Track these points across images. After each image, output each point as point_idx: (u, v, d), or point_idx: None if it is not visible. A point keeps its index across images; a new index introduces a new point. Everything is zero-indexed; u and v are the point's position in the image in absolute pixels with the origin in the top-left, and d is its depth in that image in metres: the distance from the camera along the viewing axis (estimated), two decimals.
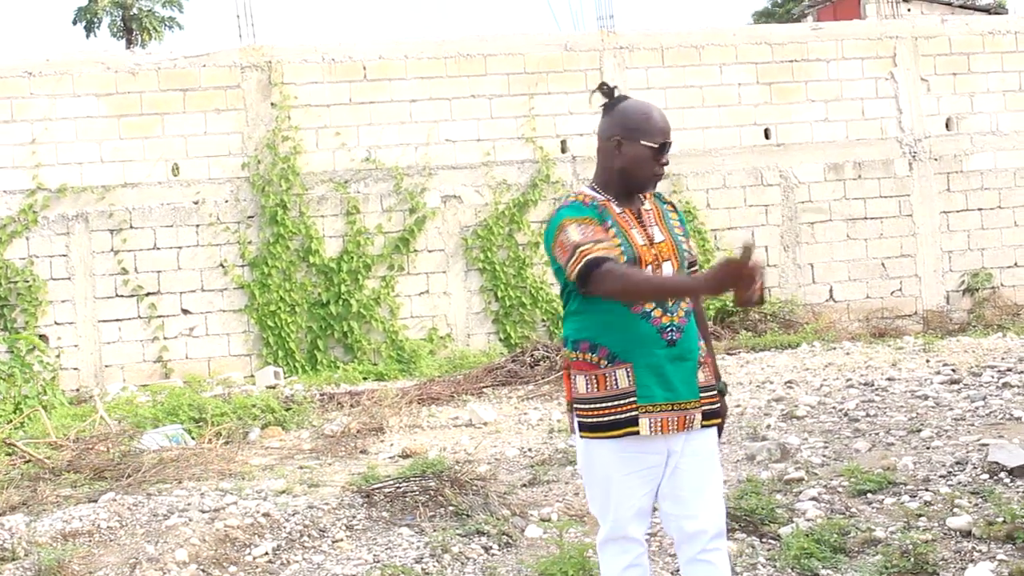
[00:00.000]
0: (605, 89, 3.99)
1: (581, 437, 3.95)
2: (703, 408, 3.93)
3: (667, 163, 3.93)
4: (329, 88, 13.15)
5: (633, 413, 3.82)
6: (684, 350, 3.88)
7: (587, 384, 3.89)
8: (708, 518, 3.92)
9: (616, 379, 3.84)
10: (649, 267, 3.86)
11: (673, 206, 4.14)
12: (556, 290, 12.73)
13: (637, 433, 3.83)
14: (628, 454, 3.87)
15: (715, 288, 3.52)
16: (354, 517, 6.36)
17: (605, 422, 3.86)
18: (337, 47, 13.24)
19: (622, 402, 3.84)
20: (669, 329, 3.83)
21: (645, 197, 4.03)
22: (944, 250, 14.37)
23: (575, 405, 3.95)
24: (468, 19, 78.03)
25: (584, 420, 3.92)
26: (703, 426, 3.93)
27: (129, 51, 13.44)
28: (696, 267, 4.10)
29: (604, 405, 3.86)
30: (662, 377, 3.83)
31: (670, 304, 3.84)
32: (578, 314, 3.94)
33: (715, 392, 4.01)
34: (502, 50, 13.51)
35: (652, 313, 3.82)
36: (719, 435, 4.07)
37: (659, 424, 3.83)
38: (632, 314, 3.83)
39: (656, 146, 3.87)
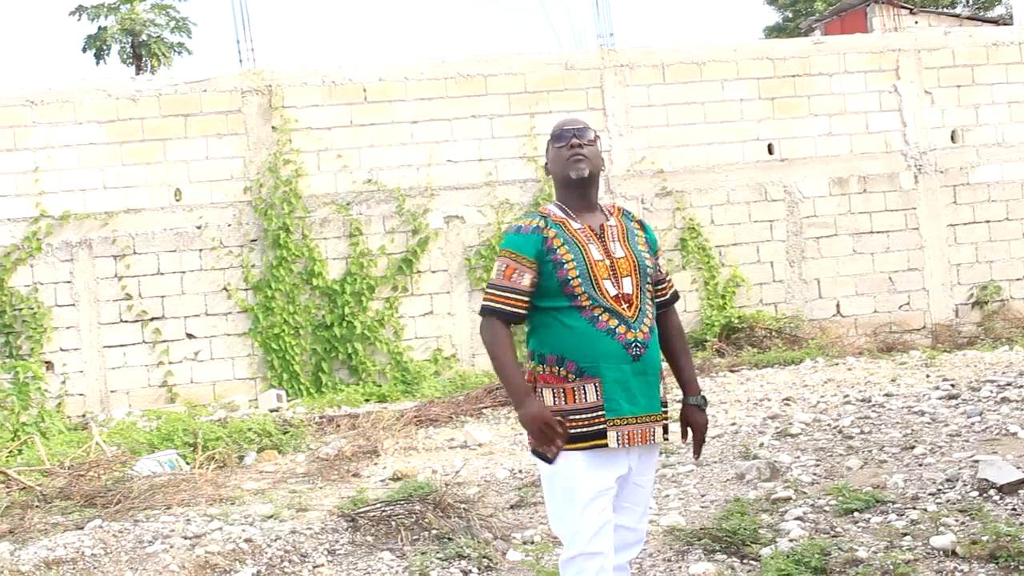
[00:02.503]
0: None
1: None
2: (664, 421, 4.10)
3: (577, 144, 4.07)
4: (330, 111, 13.18)
5: (602, 426, 3.94)
6: (648, 365, 4.01)
7: (554, 397, 3.98)
8: (643, 530, 4.21)
9: (585, 393, 3.95)
10: (606, 280, 3.99)
11: (641, 225, 4.25)
12: None
13: (603, 446, 3.93)
14: (592, 468, 3.95)
15: (522, 420, 3.94)
16: (337, 542, 6.34)
17: (573, 434, 3.95)
18: (337, 70, 13.27)
19: (591, 415, 3.95)
20: (634, 345, 3.97)
21: (611, 213, 4.17)
22: (952, 263, 14.27)
23: None
24: (469, 39, 78.30)
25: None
26: (664, 438, 4.12)
27: (130, 78, 13.49)
28: (663, 284, 4.25)
29: (572, 418, 3.96)
30: (628, 391, 3.96)
31: (633, 320, 3.97)
32: (544, 328, 4.05)
33: (668, 409, 4.16)
34: (502, 70, 13.51)
35: (616, 330, 3.96)
36: (699, 450, 4.28)
37: (626, 437, 3.97)
38: (596, 330, 3.95)
39: (559, 136, 4.10)
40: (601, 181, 4.36)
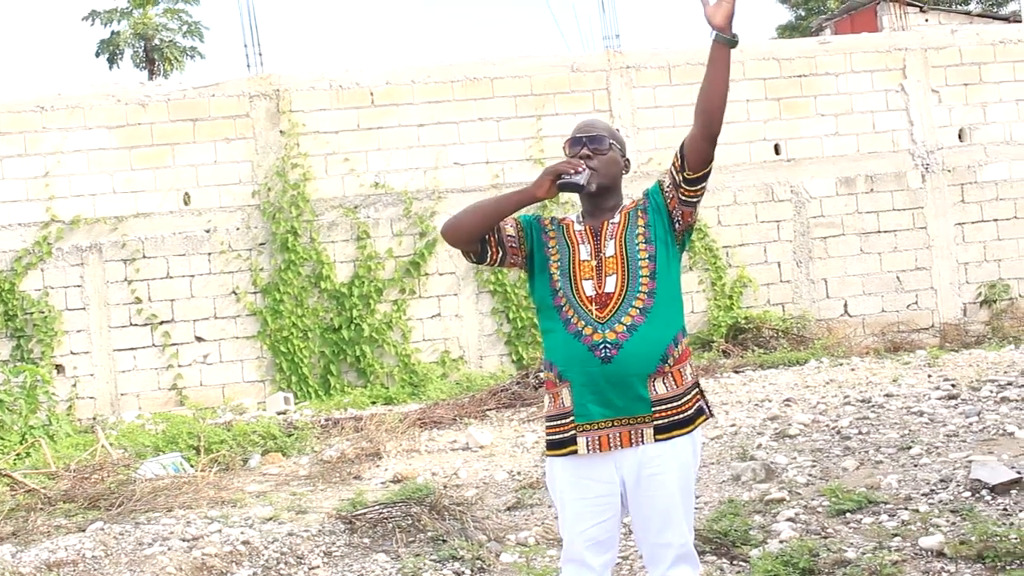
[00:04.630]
0: None
1: (544, 455, 4.07)
2: (658, 422, 3.83)
3: (587, 155, 3.95)
4: (337, 114, 13.25)
5: (572, 432, 3.87)
6: (624, 366, 3.80)
7: (549, 403, 4.00)
8: (672, 539, 3.87)
9: (563, 397, 3.91)
10: (587, 280, 3.91)
11: (646, 205, 4.00)
12: None
13: (576, 452, 3.86)
14: (576, 477, 3.89)
15: (540, 185, 3.86)
16: (334, 544, 6.41)
17: (555, 440, 3.95)
18: (344, 74, 13.35)
19: (564, 421, 3.90)
20: (602, 346, 3.81)
21: (620, 212, 4.01)
22: (960, 262, 14.25)
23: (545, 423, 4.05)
24: (475, 42, 78.04)
25: (546, 438, 4.01)
26: (660, 439, 3.83)
27: (139, 83, 13.58)
28: (675, 161, 3.91)
29: (555, 424, 3.95)
30: (599, 395, 3.82)
31: (604, 321, 3.83)
32: (543, 333, 4.06)
33: (681, 403, 3.88)
34: (509, 72, 13.57)
35: (583, 331, 3.85)
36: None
37: (597, 442, 3.83)
38: (567, 333, 3.88)
39: (572, 142, 4.01)
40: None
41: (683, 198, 3.92)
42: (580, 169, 3.85)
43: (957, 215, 14.24)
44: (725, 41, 3.77)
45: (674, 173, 3.92)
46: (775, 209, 13.94)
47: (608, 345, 3.82)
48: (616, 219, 3.98)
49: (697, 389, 3.97)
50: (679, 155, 3.89)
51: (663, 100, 13.80)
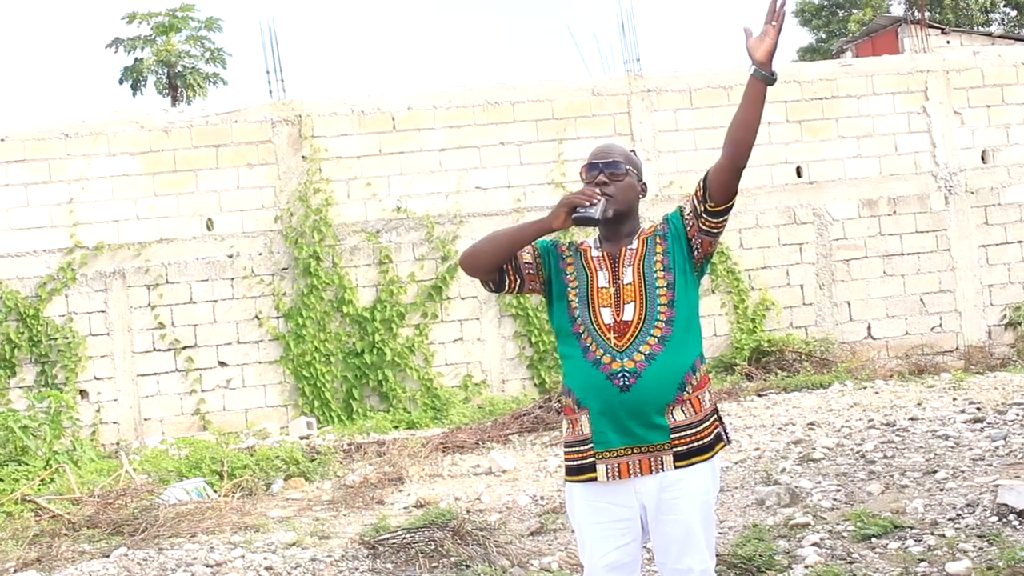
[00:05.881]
0: None
1: (564, 480, 4.04)
2: (677, 449, 3.83)
3: (604, 182, 3.93)
4: (359, 139, 13.31)
5: (591, 459, 3.86)
6: (642, 394, 3.80)
7: (568, 428, 3.98)
8: (692, 564, 3.85)
9: (582, 424, 3.90)
10: (605, 308, 3.90)
11: (665, 232, 3.99)
12: None
13: (596, 479, 3.86)
14: (595, 503, 3.89)
15: (556, 216, 3.84)
16: (357, 569, 6.41)
17: (574, 466, 3.94)
18: (366, 99, 13.41)
19: (583, 448, 3.89)
20: (620, 375, 3.81)
21: (637, 237, 4.00)
22: (984, 284, 14.17)
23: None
24: (496, 67, 77.98)
25: (565, 464, 4.01)
26: (679, 466, 3.82)
27: (162, 110, 13.68)
28: (697, 198, 3.92)
29: (573, 450, 3.94)
30: (618, 423, 3.82)
31: (622, 350, 3.84)
32: (561, 359, 4.05)
33: (700, 429, 3.87)
34: (530, 97, 13.60)
35: (601, 359, 3.85)
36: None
37: (617, 470, 3.83)
38: (585, 361, 3.87)
39: (589, 167, 3.99)
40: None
41: (703, 228, 3.92)
42: (595, 200, 3.84)
43: (981, 237, 14.17)
44: (763, 77, 3.83)
45: (696, 202, 3.92)
46: (797, 232, 13.91)
47: (627, 374, 3.82)
48: (634, 245, 3.98)
49: (716, 415, 3.97)
50: (703, 185, 3.90)
51: (684, 123, 13.80)
